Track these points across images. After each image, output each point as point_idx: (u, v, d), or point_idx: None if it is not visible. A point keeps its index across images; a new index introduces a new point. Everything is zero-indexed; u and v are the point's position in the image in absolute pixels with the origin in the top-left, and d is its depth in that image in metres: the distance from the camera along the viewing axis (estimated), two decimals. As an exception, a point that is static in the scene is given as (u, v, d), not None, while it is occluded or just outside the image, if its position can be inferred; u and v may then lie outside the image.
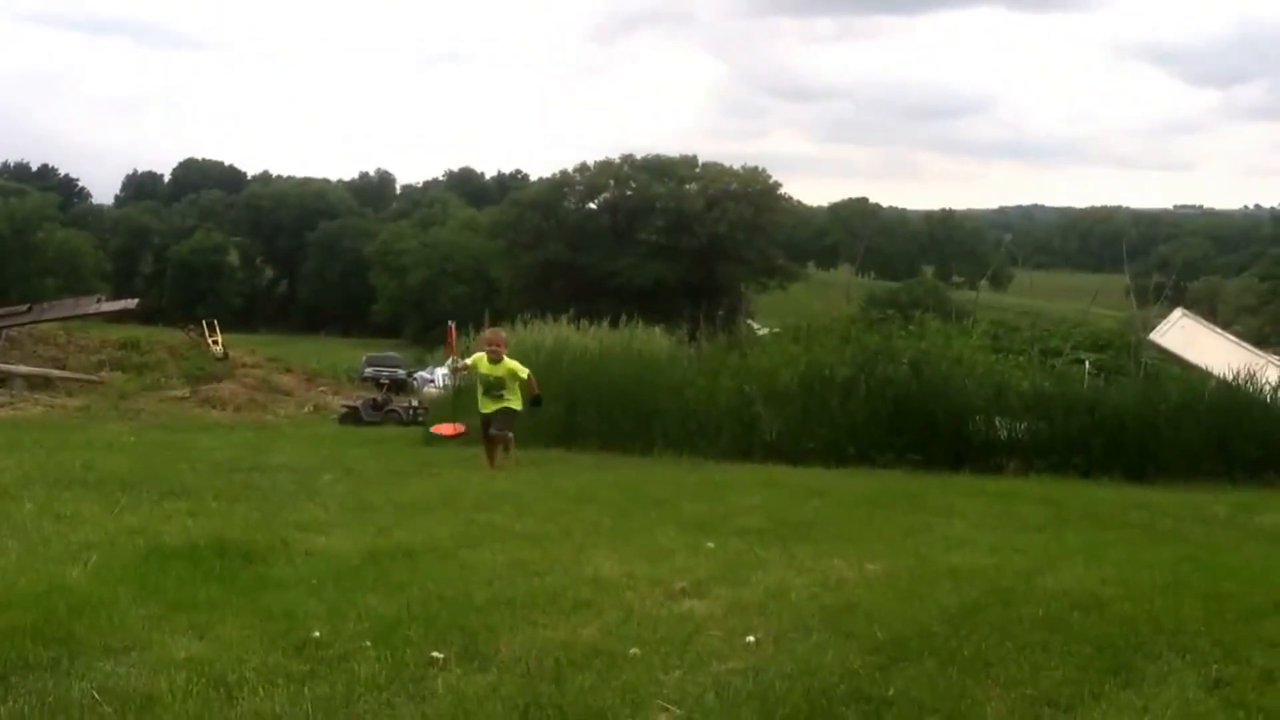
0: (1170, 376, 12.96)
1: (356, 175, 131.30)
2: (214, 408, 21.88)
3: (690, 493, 8.55)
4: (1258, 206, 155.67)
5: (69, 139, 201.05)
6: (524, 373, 10.53)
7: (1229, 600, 4.94)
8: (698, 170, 74.67)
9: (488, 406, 10.51)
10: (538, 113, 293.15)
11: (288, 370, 28.36)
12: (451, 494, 8.17)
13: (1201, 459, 10.70)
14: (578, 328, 16.75)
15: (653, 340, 16.41)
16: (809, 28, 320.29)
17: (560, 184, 76.12)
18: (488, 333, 11.36)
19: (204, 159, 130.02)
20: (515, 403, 10.48)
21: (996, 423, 11.51)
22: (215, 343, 27.96)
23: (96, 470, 8.81)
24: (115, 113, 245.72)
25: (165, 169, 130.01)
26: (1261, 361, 13.17)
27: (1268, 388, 11.42)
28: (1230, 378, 11.66)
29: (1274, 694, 3.71)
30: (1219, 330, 19.36)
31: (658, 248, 68.80)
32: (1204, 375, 12.70)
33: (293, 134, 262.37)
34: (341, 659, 3.80)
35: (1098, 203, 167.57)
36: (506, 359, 10.51)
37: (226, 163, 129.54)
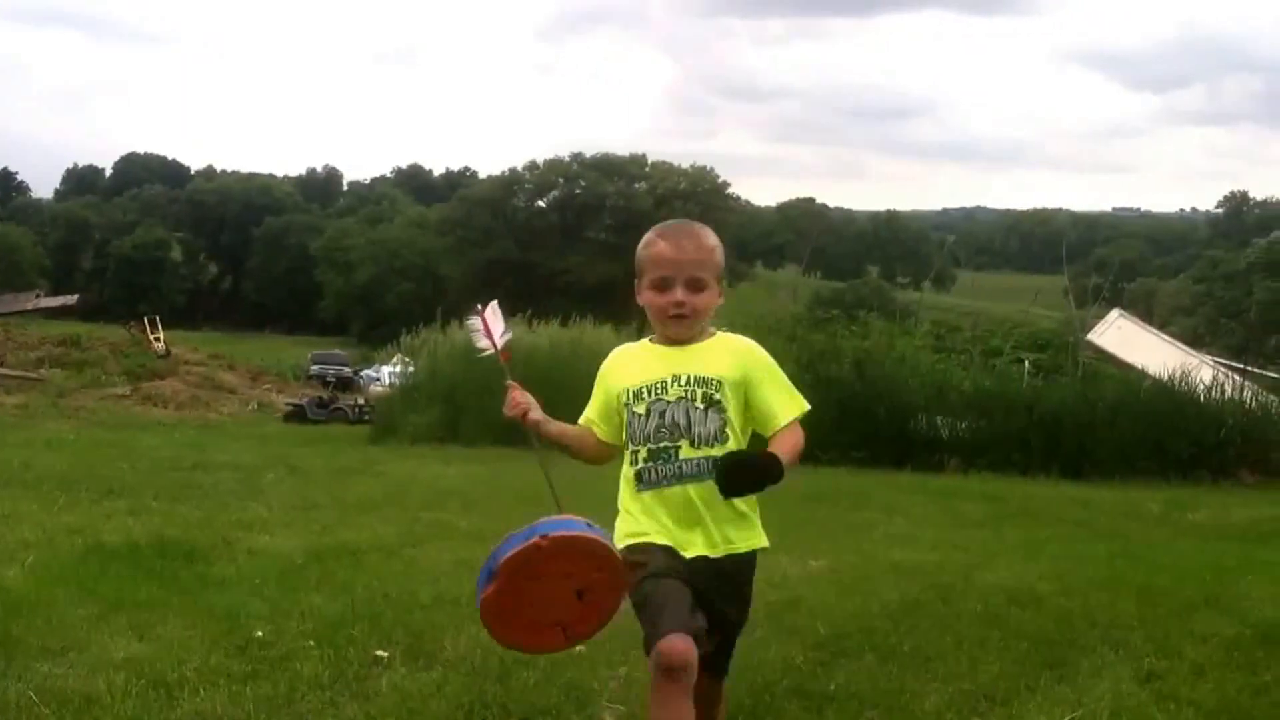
0: (1107, 376, 13.21)
1: (303, 171, 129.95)
2: (156, 406, 21.60)
3: (637, 491, 8.56)
4: (1194, 209, 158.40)
5: (7, 131, 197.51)
6: (777, 374, 2.92)
7: (1162, 595, 5.05)
8: (647, 169, 74.90)
9: (674, 524, 2.81)
10: (487, 110, 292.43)
11: (231, 368, 28.07)
12: (397, 492, 8.14)
13: (1137, 457, 10.90)
14: (528, 326, 16.71)
15: (602, 338, 16.40)
16: (759, 28, 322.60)
17: (509, 182, 76.00)
18: (665, 244, 2.83)
19: (146, 153, 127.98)
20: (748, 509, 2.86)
21: (938, 421, 11.67)
22: (157, 340, 27.58)
23: (35, 469, 8.68)
24: (55, 105, 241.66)
25: (106, 162, 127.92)
26: (1195, 362, 13.43)
27: (1201, 388, 11.66)
28: (1165, 378, 11.89)
29: (1204, 687, 3.79)
30: (1154, 331, 19.77)
31: (607, 246, 68.85)
32: (1140, 375, 12.95)
33: (238, 128, 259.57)
34: (284, 658, 3.78)
35: (1039, 204, 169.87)
36: (723, 333, 2.94)
37: (169, 157, 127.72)
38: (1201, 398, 11.57)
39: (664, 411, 2.79)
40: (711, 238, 2.87)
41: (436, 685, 3.59)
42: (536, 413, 2.84)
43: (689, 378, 2.79)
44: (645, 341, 2.96)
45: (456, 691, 3.53)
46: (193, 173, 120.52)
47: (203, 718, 3.30)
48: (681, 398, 2.78)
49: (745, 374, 2.83)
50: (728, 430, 2.78)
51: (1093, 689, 3.75)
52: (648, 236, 2.89)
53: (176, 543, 5.62)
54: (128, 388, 22.92)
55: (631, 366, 2.91)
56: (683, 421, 2.77)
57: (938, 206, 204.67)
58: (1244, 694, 3.74)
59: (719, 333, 2.92)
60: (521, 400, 2.86)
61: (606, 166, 73.61)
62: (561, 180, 74.63)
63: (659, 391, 2.80)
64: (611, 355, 3.01)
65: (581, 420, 2.95)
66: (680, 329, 2.83)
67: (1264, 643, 4.28)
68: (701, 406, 2.77)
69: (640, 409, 2.81)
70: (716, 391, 2.77)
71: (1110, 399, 11.48)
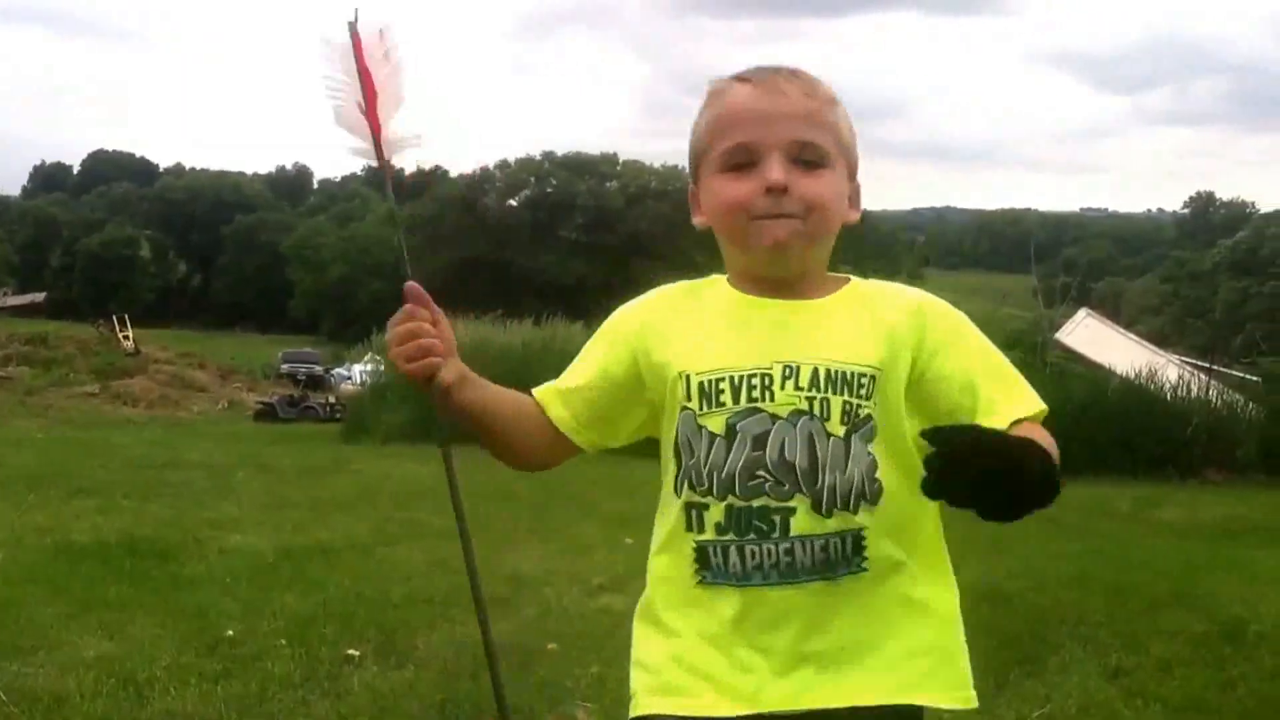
0: (1075, 375, 13.29)
1: (273, 169, 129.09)
2: (125, 404, 21.48)
3: (610, 489, 8.57)
4: (1160, 210, 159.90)
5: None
6: (985, 344, 1.46)
7: (1131, 592, 5.09)
8: (618, 168, 74.91)
9: (759, 659, 1.43)
10: (458, 109, 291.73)
11: (201, 366, 27.91)
12: (369, 490, 8.11)
13: (1106, 455, 10.96)
14: (501, 326, 16.67)
15: (575, 338, 16.39)
16: (731, 29, 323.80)
17: (481, 180, 75.83)
18: (747, 89, 1.46)
19: (114, 150, 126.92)
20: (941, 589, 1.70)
21: (910, 420, 11.72)
22: (126, 338, 27.40)
23: (3, 467, 8.63)
24: (22, 102, 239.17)
25: (74, 160, 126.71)
26: (1162, 361, 13.57)
27: (1168, 386, 11.77)
28: (1133, 377, 12.00)
29: (1171, 683, 3.83)
30: (1122, 330, 19.97)
31: (579, 245, 68.84)
32: (1108, 374, 13.05)
33: (207, 125, 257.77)
34: (255, 657, 3.76)
35: (1008, 205, 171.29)
36: (862, 280, 1.55)
37: (138, 154, 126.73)
38: (1169, 397, 11.68)
39: (765, 436, 1.40)
40: (828, 87, 1.53)
41: (408, 683, 3.58)
42: (451, 369, 1.56)
43: (817, 372, 1.40)
44: (720, 280, 1.54)
45: (428, 689, 3.53)
46: (161, 170, 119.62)
47: (173, 717, 3.28)
48: (800, 411, 1.39)
49: (920, 351, 1.43)
50: (880, 474, 1.42)
51: (1061, 685, 3.78)
52: (716, 84, 1.52)
53: (147, 541, 5.59)
54: (96, 386, 22.77)
55: (696, 328, 1.49)
56: (803, 460, 1.39)
57: (908, 206, 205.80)
58: (1210, 690, 3.78)
59: (855, 279, 1.55)
60: (426, 337, 1.55)
61: (578, 165, 73.57)
62: (533, 179, 74.55)
63: (754, 391, 1.41)
64: (646, 301, 1.59)
65: (538, 393, 1.60)
66: (782, 239, 1.43)
67: (1231, 639, 4.33)
68: (841, 433, 1.39)
69: (715, 423, 1.42)
70: (866, 398, 1.40)
71: (1079, 398, 11.55)
